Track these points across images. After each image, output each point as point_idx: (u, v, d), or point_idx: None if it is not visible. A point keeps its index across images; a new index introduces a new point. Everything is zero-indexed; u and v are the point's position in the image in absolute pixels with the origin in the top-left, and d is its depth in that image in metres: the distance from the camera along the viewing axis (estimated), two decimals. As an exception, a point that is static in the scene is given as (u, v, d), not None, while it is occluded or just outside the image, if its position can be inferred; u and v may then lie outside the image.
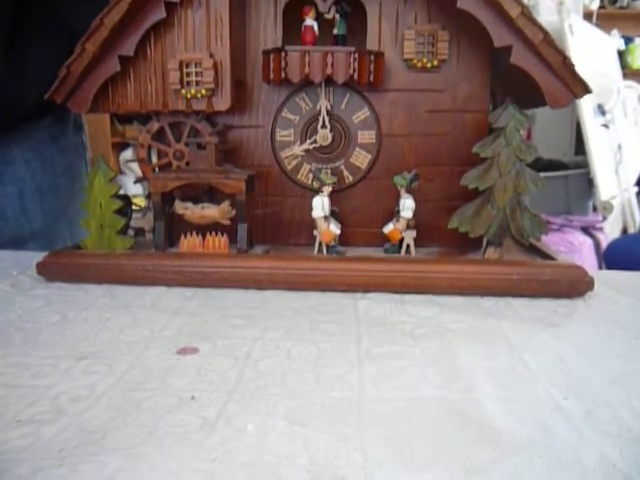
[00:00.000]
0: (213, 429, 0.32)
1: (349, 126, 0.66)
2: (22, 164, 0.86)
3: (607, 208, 2.60)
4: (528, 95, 0.59)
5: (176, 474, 0.28)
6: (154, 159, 0.68)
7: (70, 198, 0.90)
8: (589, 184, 2.70)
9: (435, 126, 0.65)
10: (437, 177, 0.66)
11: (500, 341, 0.46)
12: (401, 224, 0.62)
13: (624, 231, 2.69)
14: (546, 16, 2.66)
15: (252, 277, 0.58)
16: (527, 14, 0.54)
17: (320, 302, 0.55)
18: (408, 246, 0.63)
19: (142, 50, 0.61)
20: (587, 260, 2.43)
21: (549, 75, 0.56)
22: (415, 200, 0.62)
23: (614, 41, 3.00)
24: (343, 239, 0.65)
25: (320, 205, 0.62)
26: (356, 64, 0.60)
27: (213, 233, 0.62)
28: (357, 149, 0.66)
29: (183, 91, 0.61)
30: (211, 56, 0.60)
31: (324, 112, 0.65)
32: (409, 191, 0.62)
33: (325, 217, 0.62)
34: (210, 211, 0.63)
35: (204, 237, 0.62)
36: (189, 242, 0.62)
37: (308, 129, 0.66)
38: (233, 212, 0.63)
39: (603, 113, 2.66)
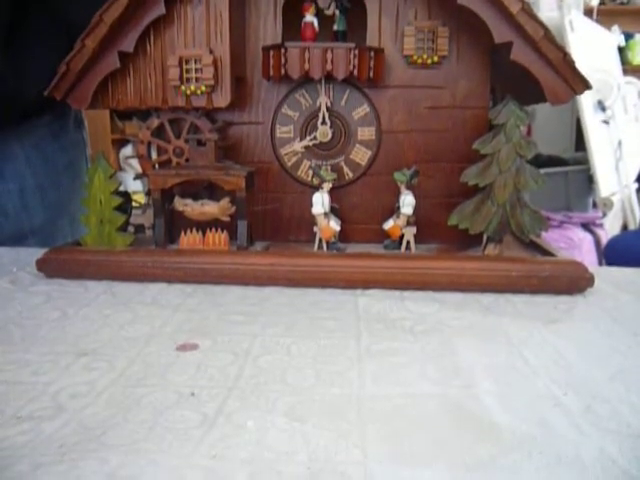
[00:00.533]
0: (213, 425, 0.32)
1: (349, 122, 0.66)
2: (23, 160, 0.86)
3: (607, 204, 2.60)
4: (528, 91, 0.58)
5: (176, 470, 0.29)
6: (154, 155, 0.68)
7: (71, 194, 0.90)
8: (589, 180, 2.70)
9: (435, 122, 0.65)
10: (437, 173, 0.66)
11: (500, 337, 0.46)
12: (401, 220, 0.62)
13: (624, 227, 2.69)
14: (546, 12, 2.65)
15: (252, 274, 0.58)
16: (528, 10, 0.54)
17: (320, 299, 0.55)
18: (408, 242, 0.63)
19: (142, 46, 0.61)
20: (587, 256, 2.43)
21: (549, 71, 0.56)
22: (415, 196, 0.62)
23: (614, 37, 3.00)
24: (343, 235, 0.65)
25: (320, 201, 0.62)
26: (356, 60, 0.60)
27: (213, 230, 0.62)
28: (357, 145, 0.66)
29: (183, 87, 0.61)
30: (211, 52, 0.60)
31: (324, 108, 0.64)
32: (409, 187, 0.62)
33: (325, 214, 0.62)
34: (210, 208, 0.63)
35: (204, 234, 0.62)
36: (189, 239, 0.63)
37: (308, 125, 0.66)
38: (233, 209, 0.63)
39: (603, 109, 2.65)
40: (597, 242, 2.55)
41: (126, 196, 0.65)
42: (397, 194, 0.63)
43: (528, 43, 0.55)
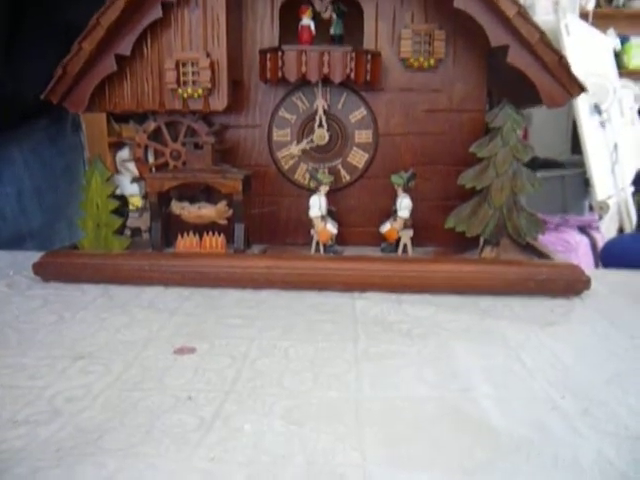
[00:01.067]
0: (210, 429, 0.32)
1: (346, 125, 0.66)
2: (21, 164, 0.86)
3: (603, 208, 2.61)
4: (524, 94, 0.59)
5: (174, 474, 0.28)
6: (151, 159, 0.68)
7: (69, 198, 0.90)
8: (585, 183, 2.71)
9: (432, 125, 0.65)
10: (434, 176, 0.66)
11: (497, 340, 0.46)
12: (398, 223, 0.62)
13: (620, 230, 2.70)
14: (542, 15, 2.66)
15: (249, 277, 0.58)
16: (523, 14, 0.54)
17: (317, 302, 0.55)
18: (405, 245, 0.63)
19: (139, 49, 0.61)
20: (584, 259, 2.44)
21: (545, 75, 0.56)
22: (412, 199, 0.62)
23: (610, 41, 3.01)
24: (340, 238, 0.64)
25: (317, 204, 0.62)
26: (353, 64, 0.60)
27: (210, 233, 0.62)
28: (354, 148, 0.66)
29: (180, 91, 0.61)
30: (208, 56, 0.60)
31: (321, 111, 0.64)
32: (406, 190, 0.62)
33: (322, 216, 0.62)
34: (207, 211, 0.63)
35: (201, 237, 0.62)
36: (186, 242, 0.62)
37: (305, 128, 0.66)
38: (230, 212, 0.62)
39: (599, 112, 2.66)
40: (594, 245, 2.56)
41: (123, 199, 0.65)
42: (394, 197, 0.63)
43: (524, 46, 0.56)
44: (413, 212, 0.62)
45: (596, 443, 0.31)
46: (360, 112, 0.66)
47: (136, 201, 0.71)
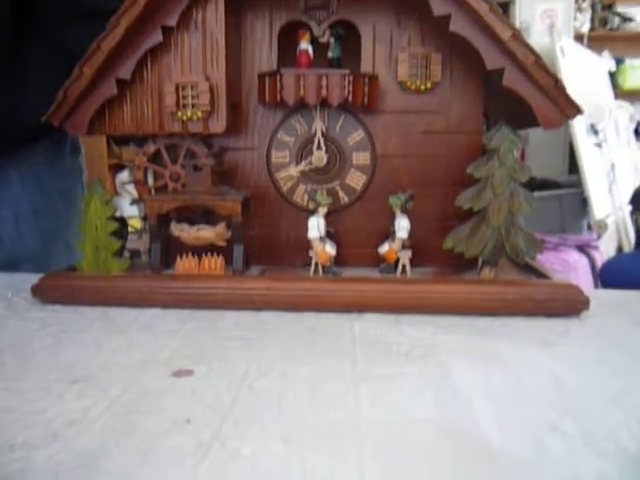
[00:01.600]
0: (208, 452, 0.32)
1: (344, 147, 0.66)
2: (18, 186, 0.86)
3: (602, 227, 2.62)
4: (521, 116, 0.59)
5: (171, 499, 0.28)
6: (150, 181, 0.68)
7: (66, 220, 0.90)
8: (583, 203, 2.72)
9: (429, 147, 0.66)
10: (432, 197, 0.66)
11: (496, 361, 0.46)
12: (396, 244, 0.63)
13: (619, 249, 2.71)
14: (538, 39, 2.70)
15: (248, 298, 0.58)
16: (518, 37, 0.55)
17: (316, 323, 0.55)
18: (404, 266, 0.63)
19: (139, 73, 0.62)
20: (583, 279, 2.44)
21: (541, 97, 0.57)
22: (410, 220, 0.62)
23: (605, 62, 3.05)
24: (339, 260, 0.65)
25: (316, 226, 0.62)
26: (350, 86, 0.60)
27: (209, 254, 0.63)
28: (352, 170, 0.67)
29: (179, 113, 0.62)
30: (207, 79, 0.61)
31: (319, 134, 0.65)
32: (404, 211, 0.63)
33: (321, 238, 0.62)
34: (206, 232, 0.63)
35: (200, 258, 0.62)
36: (185, 264, 0.63)
37: (303, 150, 0.67)
38: (229, 233, 0.63)
39: (596, 133, 2.68)
40: (592, 264, 2.56)
41: (122, 221, 0.66)
42: (392, 218, 0.63)
43: (520, 69, 0.56)
44: (411, 233, 0.62)
45: (597, 465, 0.31)
46: (358, 134, 0.66)
47: (135, 223, 0.71)
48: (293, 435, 0.34)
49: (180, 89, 0.61)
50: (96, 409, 0.37)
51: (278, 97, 0.61)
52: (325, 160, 0.66)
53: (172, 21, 0.59)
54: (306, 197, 0.66)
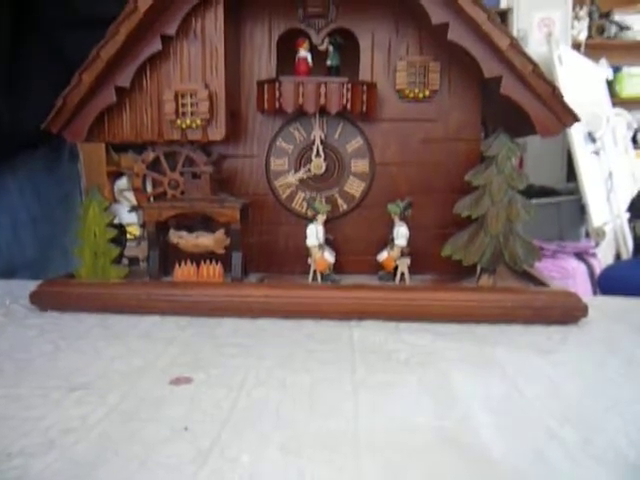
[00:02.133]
0: (207, 460, 0.32)
1: (343, 155, 0.67)
2: (16, 193, 0.86)
3: (600, 234, 2.62)
4: (519, 124, 0.59)
5: (169, 507, 0.28)
6: (149, 188, 0.68)
7: (64, 227, 0.90)
8: (581, 210, 2.72)
9: (428, 155, 0.66)
10: (430, 205, 0.66)
11: (495, 368, 0.46)
12: (395, 252, 0.63)
13: (617, 257, 2.71)
14: (535, 47, 2.72)
15: (246, 306, 0.58)
16: (516, 46, 0.55)
17: (315, 330, 0.55)
18: (402, 274, 0.63)
19: (138, 81, 0.62)
20: (581, 286, 2.44)
21: (539, 105, 0.57)
22: (409, 228, 0.62)
23: (602, 70, 3.06)
24: (338, 267, 0.65)
25: (314, 233, 0.62)
26: (349, 94, 0.61)
27: (207, 262, 0.63)
28: (351, 177, 0.67)
29: (178, 121, 0.62)
30: (206, 87, 0.61)
31: (318, 141, 0.65)
32: (403, 219, 0.63)
33: (319, 245, 0.62)
34: (204, 240, 0.63)
35: (198, 266, 0.62)
36: (183, 271, 0.62)
37: (302, 158, 0.67)
38: (227, 241, 0.63)
39: (593, 141, 2.69)
40: (591, 272, 2.56)
41: (120, 228, 0.66)
42: (391, 226, 0.63)
43: (517, 77, 0.57)
44: (410, 240, 0.62)
45: (596, 473, 0.31)
46: (356, 142, 0.66)
47: (134, 230, 0.71)
48: (292, 443, 0.34)
49: (179, 97, 0.61)
50: (94, 416, 0.37)
51: (277, 105, 0.61)
52: (324, 168, 0.66)
53: (171, 30, 0.60)
54: (305, 204, 0.66)
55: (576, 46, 3.25)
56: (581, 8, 3.39)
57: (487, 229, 0.59)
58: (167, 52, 0.61)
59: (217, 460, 0.32)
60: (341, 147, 0.67)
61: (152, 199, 0.67)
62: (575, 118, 0.58)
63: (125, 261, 0.67)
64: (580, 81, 2.69)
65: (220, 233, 0.63)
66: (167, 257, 0.65)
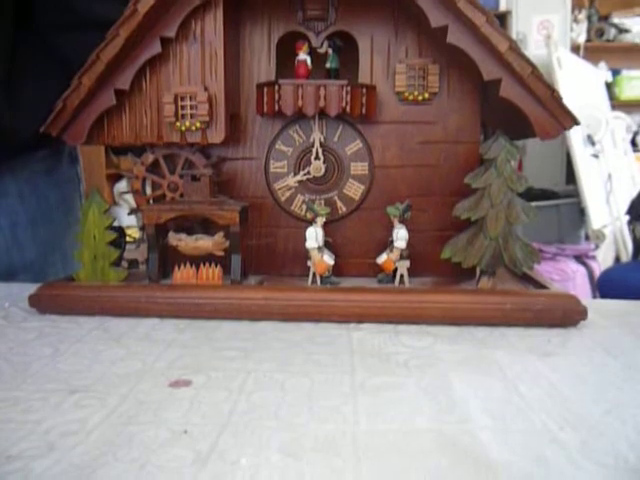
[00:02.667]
0: (206, 463, 0.32)
1: (342, 158, 0.67)
2: (16, 196, 0.86)
3: (599, 237, 2.62)
4: (518, 126, 0.60)
5: (168, 510, 0.28)
6: (148, 191, 0.68)
7: (64, 230, 0.90)
8: (581, 213, 2.73)
9: (427, 157, 0.66)
10: (430, 207, 0.66)
11: (495, 371, 0.45)
12: (394, 254, 0.63)
13: (617, 259, 2.71)
14: (534, 50, 2.72)
15: (246, 308, 0.58)
16: (515, 48, 0.55)
17: (314, 333, 0.55)
18: (402, 276, 0.63)
19: (137, 84, 0.62)
20: (580, 289, 2.44)
21: (538, 108, 0.57)
22: (408, 230, 0.62)
23: (602, 73, 3.07)
24: (337, 270, 0.65)
25: (314, 236, 0.62)
26: (348, 97, 0.61)
27: (207, 264, 0.63)
28: (350, 180, 0.67)
29: (178, 124, 0.62)
30: (206, 89, 0.61)
31: (317, 144, 0.65)
32: (402, 221, 0.63)
33: (319, 248, 0.62)
34: (204, 242, 0.63)
35: (198, 268, 0.62)
36: (183, 273, 0.62)
37: (302, 161, 0.67)
38: (227, 243, 0.63)
39: (593, 143, 2.70)
40: (590, 274, 2.56)
41: (120, 231, 0.66)
42: (390, 228, 0.63)
43: (516, 80, 0.57)
44: (409, 243, 0.62)
45: (595, 476, 0.31)
46: (356, 144, 0.66)
47: (133, 233, 0.71)
48: (291, 446, 0.34)
49: (179, 99, 0.62)
50: (93, 419, 0.37)
51: (276, 107, 0.61)
52: (323, 170, 0.66)
53: (171, 32, 0.60)
54: (304, 207, 0.66)
55: (575, 49, 3.26)
56: (580, 11, 3.41)
57: (486, 231, 0.59)
58: (167, 55, 0.61)
59: (216, 463, 0.32)
60: (340, 150, 0.67)
61: (151, 201, 0.67)
62: (574, 121, 0.58)
63: (124, 264, 0.67)
64: (579, 84, 2.69)
65: (219, 236, 0.63)
66: (166, 260, 0.65)
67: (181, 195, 0.66)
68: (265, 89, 0.62)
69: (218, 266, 0.63)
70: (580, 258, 2.64)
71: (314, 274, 0.63)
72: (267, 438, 0.35)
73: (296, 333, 0.55)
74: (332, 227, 0.66)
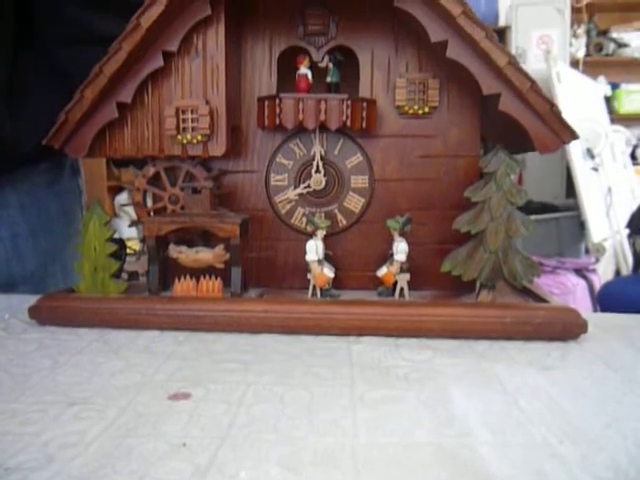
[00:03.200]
0: (205, 476, 0.32)
1: (342, 171, 0.67)
2: (17, 208, 0.86)
3: (599, 250, 2.62)
4: (518, 140, 0.60)
5: (166, 524, 0.28)
6: (149, 203, 0.69)
7: (64, 242, 0.90)
8: (581, 226, 2.73)
9: (427, 171, 0.66)
10: (430, 221, 0.67)
11: (494, 385, 0.45)
12: (395, 267, 0.63)
13: (617, 273, 2.71)
14: (533, 64, 2.74)
15: (246, 321, 0.58)
16: (514, 63, 0.56)
17: (314, 346, 0.55)
18: (402, 289, 0.63)
19: (139, 97, 0.62)
20: (581, 302, 2.43)
21: (537, 122, 0.58)
22: (408, 243, 0.62)
23: (601, 87, 3.08)
24: (337, 282, 0.65)
25: (314, 249, 0.62)
26: (349, 111, 0.61)
27: (207, 277, 0.63)
28: (350, 193, 0.67)
29: (179, 137, 0.62)
30: (207, 103, 0.62)
31: (318, 157, 0.66)
32: (402, 235, 0.63)
33: (319, 261, 0.62)
34: (204, 255, 0.63)
35: (198, 281, 0.62)
36: (183, 286, 0.63)
37: (302, 174, 0.67)
38: (227, 256, 0.63)
39: (592, 157, 2.71)
40: (590, 288, 2.56)
41: (120, 243, 0.66)
42: (390, 241, 0.63)
43: (515, 94, 0.57)
44: (409, 256, 0.63)
45: (596, 490, 0.31)
46: (356, 158, 0.67)
47: (134, 245, 0.71)
48: (290, 459, 0.34)
49: (180, 113, 0.62)
50: (92, 432, 0.37)
51: (277, 121, 0.61)
52: (323, 183, 0.66)
53: (173, 46, 0.60)
54: (304, 220, 0.66)
55: (574, 63, 3.28)
56: (579, 26, 3.43)
57: (486, 245, 0.59)
58: (169, 68, 0.62)
59: (215, 477, 0.32)
60: (341, 163, 0.67)
61: (152, 214, 0.68)
62: (573, 135, 0.58)
63: (125, 276, 0.67)
64: (578, 98, 2.71)
65: (220, 248, 0.63)
66: (167, 272, 0.65)
67: (182, 208, 0.66)
68: (266, 103, 0.62)
69: (218, 279, 0.63)
70: (580, 271, 2.64)
71: (314, 287, 0.63)
72: (266, 451, 0.35)
73: (296, 346, 0.55)
74: (332, 240, 0.66)
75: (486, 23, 0.56)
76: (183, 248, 0.63)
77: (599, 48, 3.49)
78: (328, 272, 0.63)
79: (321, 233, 0.63)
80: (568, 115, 0.58)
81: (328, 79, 0.65)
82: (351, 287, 0.67)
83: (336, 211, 0.67)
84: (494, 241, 0.59)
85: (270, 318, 0.58)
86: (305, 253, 0.62)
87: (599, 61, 3.47)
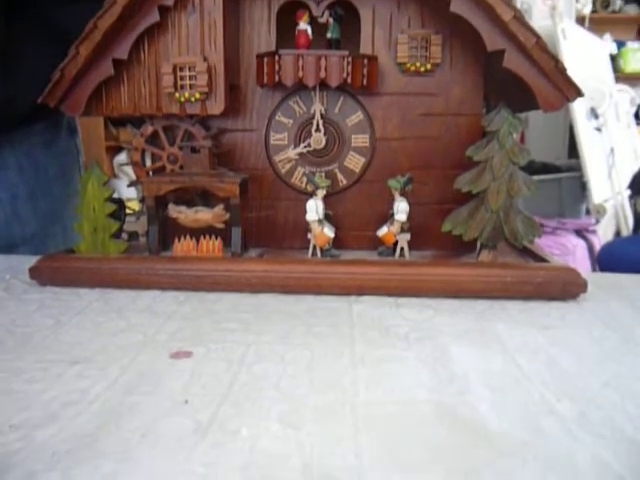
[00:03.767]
0: (207, 432, 0.32)
1: (343, 130, 0.66)
2: (15, 169, 0.86)
3: (600, 211, 2.62)
4: (521, 98, 0.59)
5: (170, 477, 0.28)
6: (148, 163, 0.68)
7: (63, 202, 0.90)
8: (582, 187, 2.72)
9: (429, 129, 0.66)
10: (431, 180, 0.66)
11: (494, 344, 0.46)
12: (395, 227, 0.62)
13: (617, 234, 2.71)
14: (539, 20, 2.68)
15: (246, 280, 0.58)
16: (519, 18, 0.54)
17: (314, 305, 0.55)
18: (402, 249, 0.63)
19: (136, 54, 0.61)
20: (580, 263, 2.44)
21: (541, 79, 0.57)
22: (409, 203, 0.62)
23: (606, 45, 3.03)
24: (337, 242, 0.65)
25: (314, 208, 0.62)
26: (349, 68, 0.60)
27: (207, 237, 0.62)
28: (351, 152, 0.66)
29: (177, 95, 0.61)
30: (205, 60, 0.60)
31: (318, 116, 0.65)
32: (403, 194, 0.62)
33: (319, 220, 0.62)
34: (204, 215, 0.63)
35: (198, 241, 0.62)
36: (183, 246, 0.62)
37: (302, 133, 0.66)
38: (227, 216, 0.63)
39: (596, 117, 2.67)
40: (590, 248, 2.56)
41: (120, 203, 0.65)
42: (391, 201, 0.63)
43: (520, 51, 0.56)
44: (410, 216, 0.62)
45: (592, 447, 0.31)
46: (357, 116, 0.66)
47: (133, 205, 0.71)
48: (291, 416, 0.34)
49: (178, 70, 0.61)
50: (95, 390, 0.37)
51: (276, 78, 0.60)
52: (324, 142, 0.65)
53: (169, 1, 0.59)
54: (304, 179, 0.66)
55: (580, 20, 3.21)
56: (586, -19, 3.34)
57: (488, 204, 0.59)
58: (165, 24, 0.60)
59: (217, 433, 0.32)
60: (341, 121, 0.66)
61: (151, 173, 0.67)
62: (578, 92, 0.57)
63: (124, 236, 0.67)
64: (584, 56, 2.66)
65: (219, 208, 0.62)
66: (166, 232, 0.65)
67: (181, 167, 0.65)
68: (265, 59, 0.61)
69: (218, 238, 0.62)
70: (580, 232, 2.64)
71: (314, 247, 0.63)
72: (267, 408, 0.35)
73: (296, 305, 0.55)
74: (332, 200, 0.66)
75: (491, -24, 0.54)
76: (182, 208, 0.63)
77: (606, 4, 3.41)
78: (328, 232, 0.62)
79: (321, 193, 0.63)
80: (573, 73, 0.57)
81: (328, 35, 0.63)
82: (351, 247, 0.67)
83: (336, 170, 0.67)
84: (495, 201, 0.59)
85: (270, 278, 0.58)
86: (305, 213, 0.62)
87: (605, 18, 3.40)
